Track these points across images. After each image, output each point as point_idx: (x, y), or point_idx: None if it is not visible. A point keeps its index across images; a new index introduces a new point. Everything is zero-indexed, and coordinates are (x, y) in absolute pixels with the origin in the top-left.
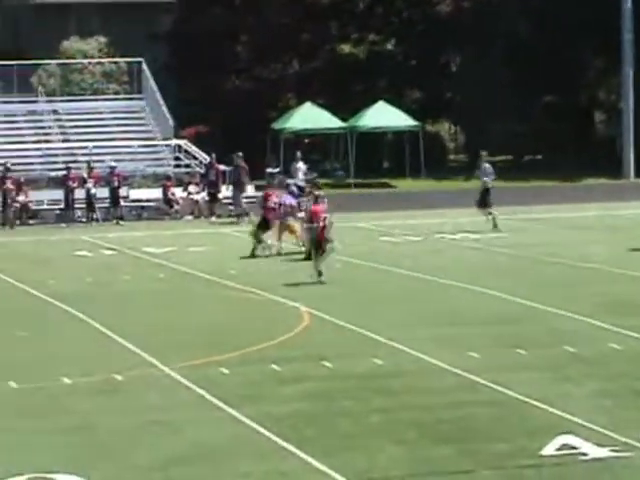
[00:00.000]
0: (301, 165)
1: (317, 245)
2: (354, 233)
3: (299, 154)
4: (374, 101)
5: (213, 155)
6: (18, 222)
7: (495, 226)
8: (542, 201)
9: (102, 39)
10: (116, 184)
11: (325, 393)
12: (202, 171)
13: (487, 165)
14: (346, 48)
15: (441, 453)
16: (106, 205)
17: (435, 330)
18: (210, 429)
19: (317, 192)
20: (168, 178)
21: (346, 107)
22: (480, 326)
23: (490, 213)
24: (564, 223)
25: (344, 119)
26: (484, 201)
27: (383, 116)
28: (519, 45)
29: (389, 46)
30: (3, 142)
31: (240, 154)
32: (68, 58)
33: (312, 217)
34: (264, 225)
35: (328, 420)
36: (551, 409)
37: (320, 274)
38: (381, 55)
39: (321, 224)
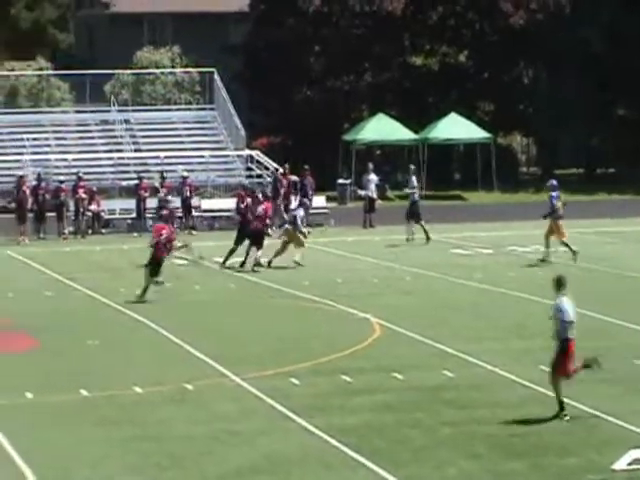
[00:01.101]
0: (373, 177)
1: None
2: (425, 245)
3: (371, 166)
4: (446, 113)
5: (286, 166)
6: (90, 231)
7: (428, 239)
8: (614, 214)
9: (175, 49)
10: (188, 194)
11: (396, 405)
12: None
13: (414, 178)
14: (418, 60)
15: (512, 467)
16: (178, 215)
17: (506, 343)
18: (280, 439)
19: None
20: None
21: (418, 119)
22: (551, 339)
23: (421, 226)
24: (636, 237)
25: (416, 131)
26: (412, 214)
27: (455, 128)
28: (592, 58)
29: (461, 58)
30: (76, 151)
31: (286, 166)
32: (141, 68)
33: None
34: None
35: (398, 432)
36: (622, 423)
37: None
38: (453, 67)
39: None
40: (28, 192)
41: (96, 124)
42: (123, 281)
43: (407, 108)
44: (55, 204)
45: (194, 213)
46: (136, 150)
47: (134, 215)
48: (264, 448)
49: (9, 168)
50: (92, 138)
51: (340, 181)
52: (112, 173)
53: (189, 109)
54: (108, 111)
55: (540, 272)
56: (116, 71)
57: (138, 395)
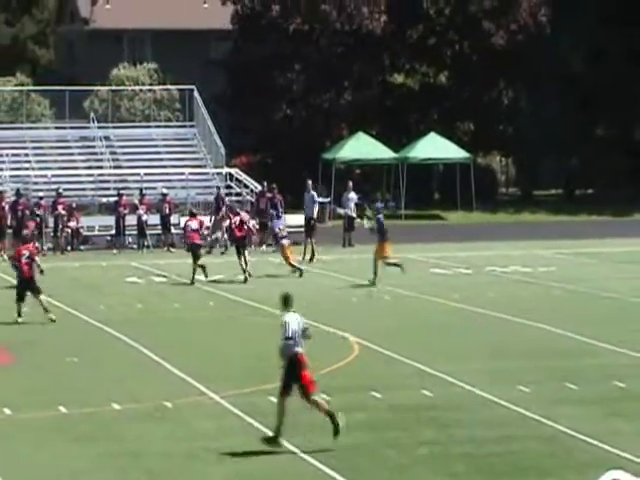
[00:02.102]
0: (352, 195)
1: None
2: (404, 264)
3: (351, 184)
4: (426, 132)
5: (264, 184)
6: (69, 247)
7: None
8: (593, 235)
9: (151, 65)
10: (167, 211)
11: (374, 424)
12: (253, 200)
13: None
14: (398, 79)
15: None
16: (157, 232)
17: (485, 363)
18: (259, 458)
19: None
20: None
21: (398, 138)
22: (530, 360)
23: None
24: (615, 258)
25: (396, 150)
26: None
27: (434, 148)
28: (572, 79)
29: (441, 77)
30: (55, 167)
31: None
32: (118, 85)
33: None
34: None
35: (377, 451)
36: (601, 444)
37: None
38: (433, 86)
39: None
40: (7, 208)
41: (76, 140)
42: (102, 298)
43: (387, 127)
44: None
45: (173, 230)
46: (116, 167)
47: (113, 232)
48: (242, 466)
49: None
50: (72, 154)
51: (319, 200)
52: (92, 190)
53: (169, 126)
54: (88, 127)
55: (520, 292)
56: (95, 87)
57: (116, 412)
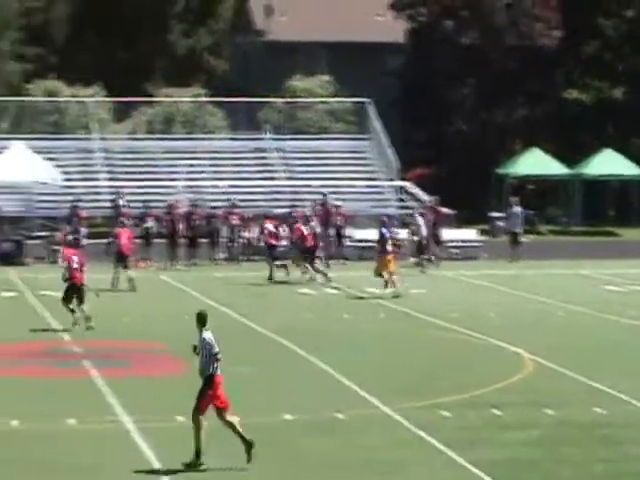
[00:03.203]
0: (518, 210)
1: None
2: (578, 281)
3: (515, 199)
4: (600, 148)
5: (435, 198)
6: (243, 257)
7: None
8: None
9: (325, 77)
10: (340, 223)
11: (546, 440)
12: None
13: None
14: (572, 94)
15: None
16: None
17: None
18: (429, 472)
19: None
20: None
21: (572, 154)
22: None
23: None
24: None
25: (570, 166)
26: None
27: (609, 164)
28: None
29: (616, 92)
30: (229, 178)
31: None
32: (292, 96)
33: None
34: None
35: (549, 467)
36: None
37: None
38: (608, 101)
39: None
40: (180, 218)
41: (250, 151)
42: (274, 309)
43: (561, 143)
44: (208, 230)
45: (346, 242)
46: (289, 178)
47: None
48: (413, 478)
49: (163, 194)
50: (246, 165)
51: (492, 214)
52: (265, 201)
53: (342, 138)
54: (262, 139)
55: None
56: (270, 99)
57: (287, 422)
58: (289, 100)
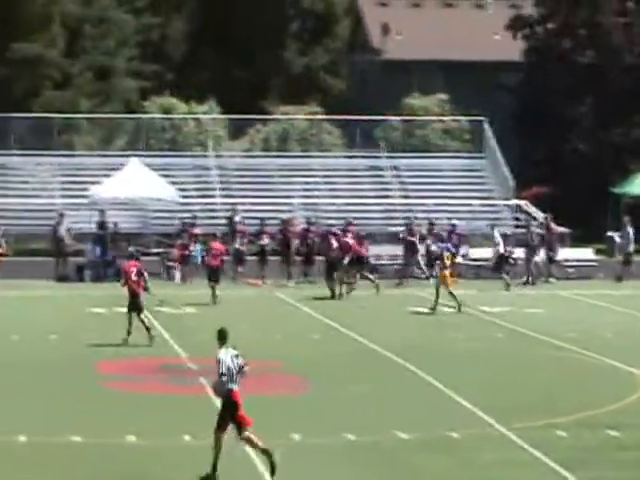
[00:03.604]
0: (630, 230)
1: None
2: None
3: (628, 219)
4: None
5: (549, 216)
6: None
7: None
8: None
9: (443, 96)
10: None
11: None
12: (542, 232)
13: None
14: None
15: None
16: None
17: None
18: None
19: None
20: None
21: None
22: None
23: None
24: None
25: None
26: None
27: None
28: None
29: None
30: (345, 196)
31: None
32: (409, 114)
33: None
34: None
35: None
36: None
37: None
38: None
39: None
40: (296, 235)
41: (365, 169)
42: (389, 326)
43: None
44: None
45: (462, 261)
46: (404, 196)
47: (401, 261)
48: None
49: (279, 211)
50: (361, 183)
51: (609, 234)
52: (380, 219)
53: (458, 157)
54: (378, 157)
55: None
56: (386, 117)
57: (403, 441)
58: (405, 118)
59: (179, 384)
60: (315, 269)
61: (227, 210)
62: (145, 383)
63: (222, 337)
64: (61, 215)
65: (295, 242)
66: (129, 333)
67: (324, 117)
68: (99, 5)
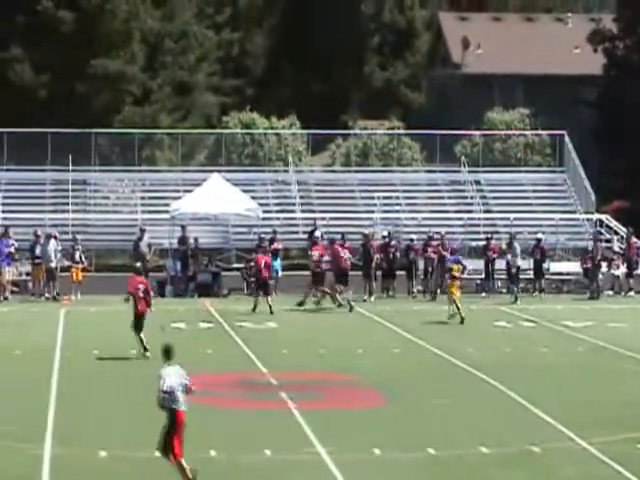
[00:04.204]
0: None
1: None
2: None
3: None
4: None
5: (629, 230)
6: (439, 291)
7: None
8: None
9: (524, 110)
10: (539, 257)
11: None
12: (623, 246)
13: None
14: None
15: None
16: (527, 277)
17: None
18: None
19: None
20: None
21: None
22: None
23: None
24: None
25: None
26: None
27: None
28: None
29: None
30: (425, 210)
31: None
32: (490, 129)
33: None
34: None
35: None
36: None
37: None
38: None
39: None
40: (376, 250)
41: (446, 184)
42: (470, 341)
43: None
44: (405, 263)
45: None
46: (485, 211)
47: (482, 275)
48: None
49: (359, 226)
50: (442, 198)
51: None
52: (461, 233)
53: (539, 171)
54: (458, 171)
55: None
56: (467, 132)
57: (484, 455)
58: (485, 132)
59: (259, 399)
60: (396, 284)
61: (307, 225)
62: (226, 398)
63: (167, 353)
64: (142, 230)
65: (376, 257)
66: (145, 349)
67: (404, 132)
68: (179, 20)
